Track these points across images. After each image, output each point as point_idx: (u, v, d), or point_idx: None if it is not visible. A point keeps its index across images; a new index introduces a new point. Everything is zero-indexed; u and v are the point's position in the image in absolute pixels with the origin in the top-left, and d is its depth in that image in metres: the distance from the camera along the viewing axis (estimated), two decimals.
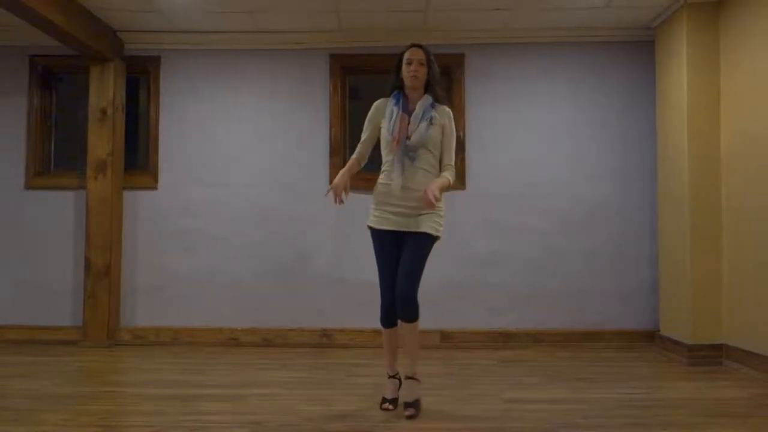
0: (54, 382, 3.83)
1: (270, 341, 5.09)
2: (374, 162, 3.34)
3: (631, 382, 3.90)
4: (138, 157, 5.41)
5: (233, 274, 5.17)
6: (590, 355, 4.74)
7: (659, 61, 4.91)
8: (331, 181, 5.11)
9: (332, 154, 5.18)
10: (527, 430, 2.93)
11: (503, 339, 5.03)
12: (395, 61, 3.21)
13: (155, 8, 4.71)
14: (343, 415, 3.10)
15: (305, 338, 5.08)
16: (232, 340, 5.10)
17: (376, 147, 3.29)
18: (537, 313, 5.06)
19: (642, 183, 5.09)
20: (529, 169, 5.14)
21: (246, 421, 3.03)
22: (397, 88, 3.20)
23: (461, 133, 5.14)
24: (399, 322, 3.13)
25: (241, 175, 5.22)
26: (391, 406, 3.23)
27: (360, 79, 5.38)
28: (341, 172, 3.19)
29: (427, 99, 3.15)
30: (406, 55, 3.15)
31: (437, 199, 2.97)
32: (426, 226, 3.08)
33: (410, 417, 3.05)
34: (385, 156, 3.18)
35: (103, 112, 5.06)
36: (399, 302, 3.06)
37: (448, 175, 3.15)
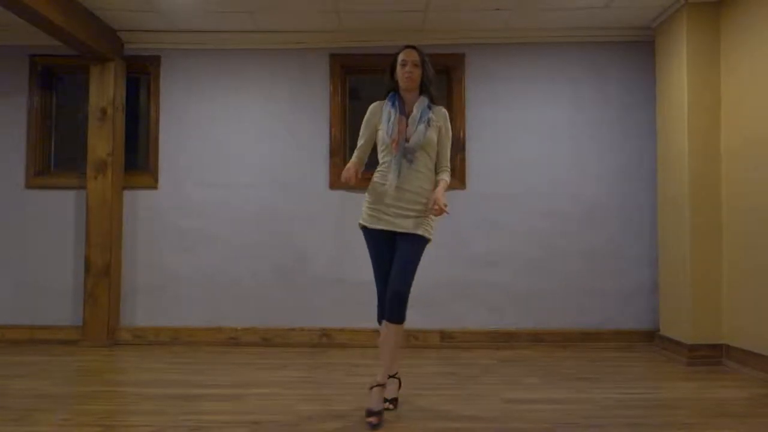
0: (54, 382, 3.83)
1: (269, 341, 5.09)
2: (374, 162, 3.33)
3: (631, 382, 3.90)
4: (138, 157, 5.42)
5: (233, 273, 5.17)
6: (590, 354, 4.74)
7: (659, 61, 4.91)
8: (331, 182, 5.16)
9: (332, 154, 5.18)
10: (527, 430, 2.93)
11: (503, 339, 5.03)
12: (389, 63, 3.20)
13: (155, 8, 4.71)
14: (343, 414, 3.10)
15: (305, 338, 5.08)
16: (231, 340, 5.10)
17: (373, 149, 3.28)
18: (537, 313, 5.06)
19: (642, 183, 5.09)
20: (529, 169, 5.14)
21: (246, 420, 3.03)
22: (392, 90, 3.19)
23: (461, 133, 5.14)
24: (384, 324, 3.07)
25: (241, 175, 5.22)
26: (391, 406, 3.23)
27: (360, 79, 5.38)
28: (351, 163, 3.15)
29: (424, 101, 3.15)
30: (400, 57, 3.15)
31: (446, 206, 3.00)
32: (421, 229, 3.08)
33: (387, 409, 3.15)
34: (382, 157, 3.17)
35: (104, 111, 5.06)
36: (390, 300, 3.02)
37: (446, 177, 3.17)
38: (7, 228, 5.25)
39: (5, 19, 4.66)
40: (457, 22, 4.96)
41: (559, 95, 5.17)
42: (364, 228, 3.18)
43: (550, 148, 5.15)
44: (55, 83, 5.46)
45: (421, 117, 3.10)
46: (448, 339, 5.04)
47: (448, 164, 3.22)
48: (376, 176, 3.18)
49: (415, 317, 4.90)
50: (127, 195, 5.25)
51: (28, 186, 5.26)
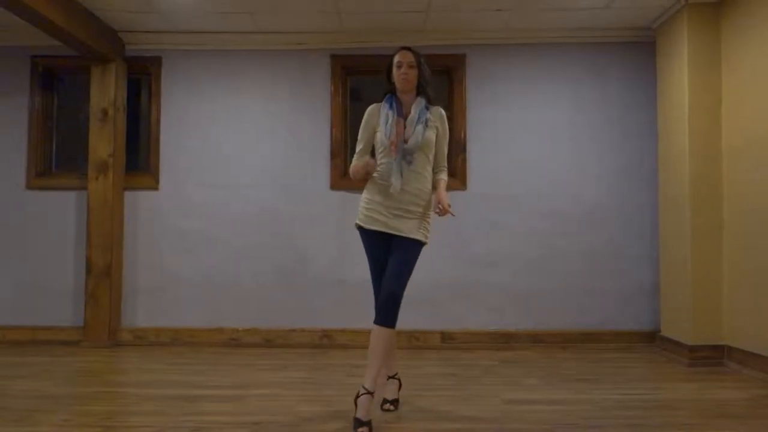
0: (55, 383, 3.84)
1: (270, 342, 5.09)
2: None
3: (631, 383, 3.90)
4: (139, 158, 5.42)
5: (234, 274, 5.17)
6: (591, 355, 4.74)
7: (660, 61, 4.91)
8: (332, 183, 5.16)
9: (333, 155, 5.18)
10: (527, 430, 2.93)
11: (503, 339, 5.03)
12: (386, 65, 3.19)
13: (156, 9, 4.71)
14: (344, 415, 3.10)
15: (306, 339, 5.09)
16: (232, 341, 5.11)
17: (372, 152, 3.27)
18: (537, 314, 5.06)
19: (642, 184, 5.09)
20: (529, 170, 5.14)
21: (246, 421, 3.04)
22: (389, 92, 3.18)
23: (462, 134, 5.14)
24: (375, 329, 2.99)
25: (242, 176, 5.23)
26: (392, 407, 3.24)
27: (361, 79, 5.38)
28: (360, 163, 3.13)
29: (421, 101, 3.13)
30: (396, 58, 3.13)
31: (449, 206, 2.99)
32: (418, 233, 3.06)
33: (387, 410, 3.17)
34: (380, 159, 3.13)
35: (104, 112, 5.07)
36: (384, 301, 2.97)
37: (445, 177, 3.17)
38: (8, 229, 5.25)
39: (6, 20, 4.67)
40: (458, 23, 4.96)
41: (559, 96, 5.17)
42: (360, 228, 3.16)
43: (550, 148, 5.15)
44: (56, 84, 5.47)
45: (418, 118, 3.08)
46: (448, 340, 5.04)
47: (446, 164, 3.21)
48: (376, 177, 3.15)
49: (415, 318, 4.94)
50: (128, 196, 5.25)
51: (29, 187, 5.27)
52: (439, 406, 3.32)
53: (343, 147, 5.19)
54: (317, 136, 5.22)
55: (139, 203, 5.25)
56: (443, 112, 3.21)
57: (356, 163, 3.15)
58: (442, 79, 5.27)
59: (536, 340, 5.02)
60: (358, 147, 3.19)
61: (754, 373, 3.98)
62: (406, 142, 3.05)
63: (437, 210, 3.00)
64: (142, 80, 5.44)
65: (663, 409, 3.34)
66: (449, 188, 5.04)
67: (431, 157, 3.14)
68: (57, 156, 5.42)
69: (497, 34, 5.11)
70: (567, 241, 5.09)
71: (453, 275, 5.08)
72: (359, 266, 4.86)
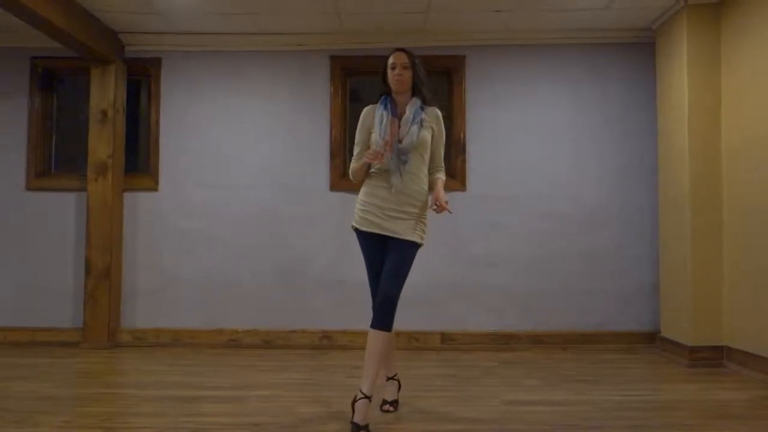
0: (54, 384, 3.84)
1: (270, 343, 5.09)
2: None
3: (631, 384, 3.90)
4: (138, 159, 5.42)
5: (233, 275, 5.17)
6: (591, 356, 4.74)
7: (660, 62, 4.91)
8: (331, 183, 5.16)
9: (333, 155, 5.18)
10: (527, 431, 2.93)
11: (504, 340, 5.03)
12: (382, 66, 3.18)
13: (156, 10, 4.71)
14: (344, 416, 3.10)
15: (305, 340, 5.08)
16: (232, 342, 5.11)
17: None
18: (537, 315, 5.06)
19: (642, 184, 5.09)
20: (529, 171, 5.14)
21: (246, 422, 3.03)
22: (386, 94, 3.17)
23: (462, 135, 5.15)
24: (371, 333, 2.96)
25: (242, 177, 5.23)
26: (391, 408, 3.24)
27: (360, 80, 5.38)
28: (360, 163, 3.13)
29: (416, 102, 3.12)
30: (390, 60, 3.12)
31: (447, 203, 2.97)
32: (413, 235, 3.04)
33: (387, 411, 3.18)
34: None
35: (104, 113, 5.07)
36: (380, 304, 2.96)
37: (442, 176, 3.16)
38: (7, 230, 5.25)
39: (6, 22, 4.67)
40: (458, 24, 4.97)
41: (559, 96, 5.17)
42: (356, 230, 3.16)
43: (550, 149, 5.15)
44: (56, 85, 5.47)
45: (413, 118, 3.07)
46: (448, 341, 5.04)
47: (443, 163, 3.20)
48: (369, 179, 3.15)
49: (415, 319, 4.94)
50: (128, 197, 5.25)
51: (29, 188, 5.27)
52: (439, 407, 3.32)
53: (342, 148, 5.19)
54: (317, 136, 5.22)
55: (139, 204, 5.25)
56: (439, 112, 3.19)
57: (354, 164, 3.15)
58: (442, 80, 5.28)
59: (536, 340, 5.02)
60: (356, 150, 3.18)
61: (754, 374, 3.97)
62: (400, 141, 3.05)
63: (434, 207, 2.99)
64: (141, 81, 5.44)
65: (663, 410, 3.33)
66: (449, 189, 5.06)
67: (426, 157, 3.13)
68: (56, 157, 5.42)
69: (497, 34, 5.12)
70: (567, 242, 5.09)
71: (453, 276, 5.08)
72: (359, 267, 4.84)
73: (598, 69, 5.16)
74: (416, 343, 5.02)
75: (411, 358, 4.61)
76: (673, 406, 3.43)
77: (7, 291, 5.22)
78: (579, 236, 5.09)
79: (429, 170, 3.16)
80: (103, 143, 5.07)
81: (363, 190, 3.16)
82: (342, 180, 5.09)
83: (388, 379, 3.32)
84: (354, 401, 2.92)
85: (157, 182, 5.25)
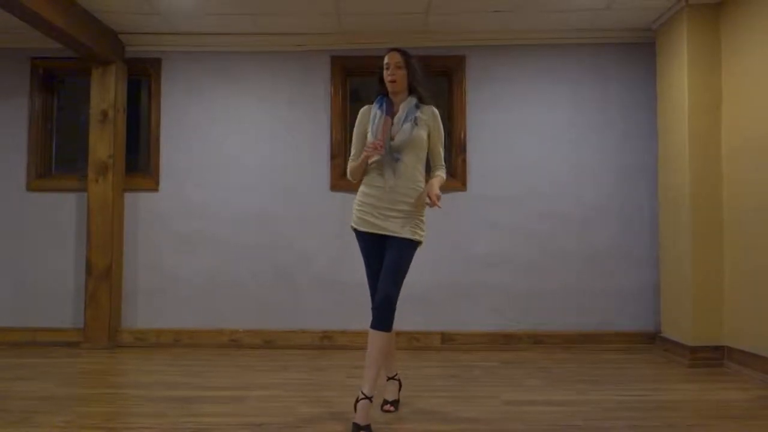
0: (55, 384, 3.84)
1: (271, 343, 5.09)
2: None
3: (631, 384, 3.90)
4: (139, 159, 5.42)
5: (234, 275, 5.17)
6: (591, 356, 4.74)
7: (660, 62, 4.91)
8: (332, 183, 5.16)
9: (333, 155, 5.19)
10: (527, 431, 2.93)
11: (504, 340, 5.03)
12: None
13: (156, 10, 4.72)
14: (344, 417, 3.10)
15: (306, 340, 5.09)
16: (233, 342, 5.11)
17: None
18: (538, 315, 5.06)
19: (643, 184, 5.09)
20: (529, 171, 5.14)
21: (247, 422, 3.04)
22: (383, 94, 3.17)
23: (462, 135, 5.15)
24: (371, 333, 2.96)
25: (242, 177, 5.23)
26: (392, 408, 3.24)
27: (361, 80, 5.38)
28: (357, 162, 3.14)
29: (411, 101, 3.11)
30: (385, 60, 3.12)
31: (439, 197, 2.92)
32: (407, 232, 3.02)
33: (388, 411, 3.19)
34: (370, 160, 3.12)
35: (105, 114, 5.07)
36: (379, 304, 2.95)
37: (441, 174, 3.12)
38: (8, 230, 5.26)
39: (6, 22, 4.67)
40: (458, 24, 4.97)
41: (559, 96, 5.17)
42: (354, 230, 3.16)
43: (550, 149, 5.15)
44: (57, 85, 5.48)
45: (407, 116, 3.06)
46: (448, 341, 5.04)
47: (443, 162, 3.17)
48: (365, 178, 3.15)
49: (416, 319, 4.95)
50: (128, 197, 5.26)
51: (30, 188, 5.27)
52: (440, 407, 3.32)
53: (342, 148, 5.19)
54: (317, 136, 5.22)
55: (139, 204, 5.25)
56: (436, 110, 3.16)
57: (352, 164, 3.16)
58: (442, 80, 5.28)
59: (536, 340, 5.02)
60: (353, 150, 3.19)
61: (755, 374, 3.97)
62: (392, 139, 3.04)
63: (427, 201, 2.95)
64: (142, 82, 5.44)
65: (663, 410, 3.33)
66: (449, 188, 5.09)
67: (422, 155, 3.12)
68: (57, 158, 5.43)
69: (497, 35, 5.12)
70: (567, 242, 5.09)
71: (453, 276, 5.08)
72: (359, 267, 4.83)
73: (598, 69, 5.16)
74: (416, 343, 5.02)
75: (411, 358, 4.62)
76: (674, 406, 3.43)
77: (7, 291, 5.23)
78: (579, 236, 5.09)
79: (431, 168, 3.15)
80: (103, 143, 5.07)
81: (360, 190, 3.16)
82: (342, 180, 5.09)
83: (389, 378, 3.32)
84: (356, 401, 2.93)
85: (157, 182, 5.25)
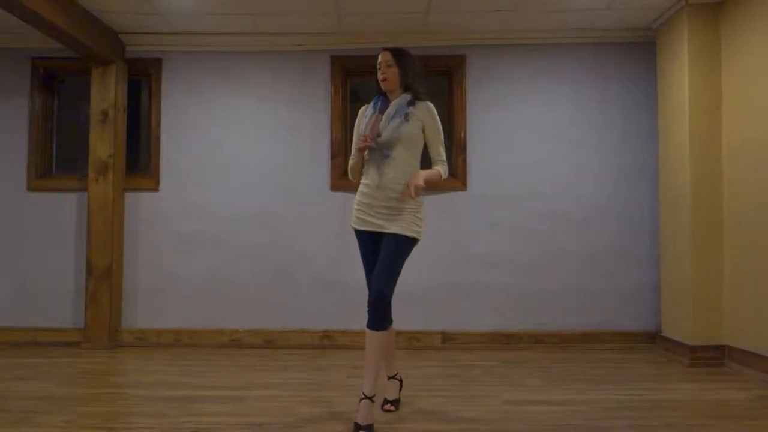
0: (55, 384, 3.84)
1: (271, 343, 5.09)
2: None
3: (632, 384, 3.90)
4: (139, 159, 5.42)
5: (234, 275, 5.18)
6: (591, 356, 4.74)
7: (660, 62, 4.91)
8: (332, 183, 5.17)
9: (333, 155, 5.19)
10: (528, 431, 2.93)
11: (504, 340, 5.03)
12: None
13: (157, 10, 4.72)
14: (344, 416, 3.10)
15: (306, 340, 5.09)
16: (233, 342, 5.11)
17: None
18: (538, 315, 5.06)
19: (643, 184, 5.09)
20: (529, 170, 5.14)
21: (247, 422, 3.04)
22: (381, 93, 3.17)
23: (462, 134, 5.14)
24: (367, 333, 2.96)
25: (242, 177, 5.23)
26: (392, 407, 3.24)
27: (361, 80, 5.38)
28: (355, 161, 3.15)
29: (404, 97, 3.09)
30: (378, 59, 3.14)
31: (417, 192, 2.91)
32: (398, 228, 3.00)
33: (388, 411, 3.20)
34: (365, 156, 3.13)
35: (105, 114, 5.07)
36: (373, 302, 2.95)
37: (440, 168, 3.10)
38: (8, 230, 5.26)
39: (6, 22, 4.67)
40: (458, 24, 4.97)
41: (560, 96, 5.17)
42: (354, 230, 3.17)
43: (550, 149, 5.15)
44: (57, 85, 5.48)
45: (395, 112, 3.06)
46: (449, 340, 5.04)
47: (442, 158, 3.13)
48: (363, 177, 3.15)
49: (416, 318, 4.95)
50: (129, 197, 5.26)
51: (30, 188, 5.27)
52: (440, 407, 3.32)
53: (343, 148, 5.19)
54: (317, 136, 5.22)
55: (140, 204, 5.25)
56: (431, 105, 3.12)
57: (350, 162, 3.18)
58: (442, 80, 5.28)
59: (537, 340, 5.02)
60: (352, 149, 3.20)
61: (755, 374, 3.97)
62: (379, 135, 3.04)
63: (406, 191, 2.92)
64: (142, 82, 5.44)
65: (663, 410, 3.33)
66: (449, 188, 5.09)
67: (415, 151, 3.10)
68: (57, 157, 5.43)
69: (497, 34, 5.11)
70: (568, 242, 5.09)
71: (453, 276, 5.08)
72: (359, 267, 4.83)
73: (598, 69, 5.16)
74: (417, 342, 5.02)
75: (412, 357, 4.62)
76: (674, 405, 3.43)
77: (8, 291, 5.23)
78: (579, 236, 5.09)
79: (431, 164, 3.13)
80: (103, 143, 5.08)
81: (358, 189, 3.17)
82: (342, 180, 5.09)
83: (389, 378, 3.32)
84: (360, 401, 2.94)
85: (157, 182, 5.26)
